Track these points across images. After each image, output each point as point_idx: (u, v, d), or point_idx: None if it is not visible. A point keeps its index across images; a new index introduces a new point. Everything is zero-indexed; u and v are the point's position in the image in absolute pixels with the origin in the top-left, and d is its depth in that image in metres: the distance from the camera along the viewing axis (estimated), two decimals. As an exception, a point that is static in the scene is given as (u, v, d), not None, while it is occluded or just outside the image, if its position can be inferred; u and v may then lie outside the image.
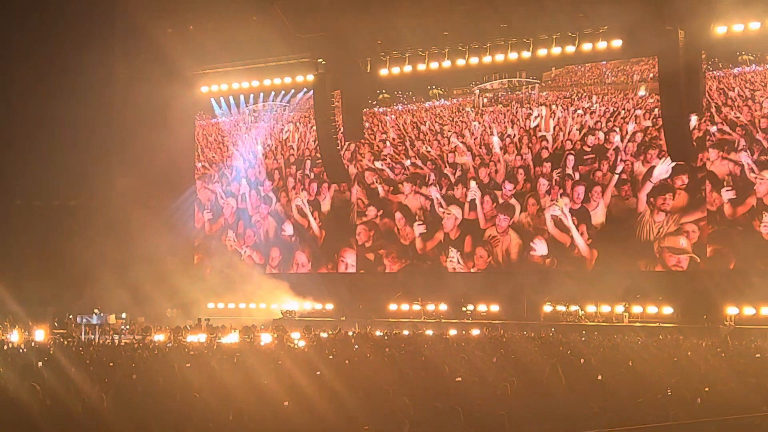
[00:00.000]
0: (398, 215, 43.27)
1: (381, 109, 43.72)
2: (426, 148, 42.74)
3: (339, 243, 44.77)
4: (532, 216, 40.55)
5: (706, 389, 16.91)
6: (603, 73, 39.83)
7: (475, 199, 41.86)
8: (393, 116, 43.52)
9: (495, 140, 41.54)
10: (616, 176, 38.97)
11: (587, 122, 40.03)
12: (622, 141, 39.03)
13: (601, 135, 39.59)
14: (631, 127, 38.82)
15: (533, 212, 40.55)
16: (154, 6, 40.26)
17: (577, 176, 39.82)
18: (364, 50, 41.37)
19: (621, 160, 38.94)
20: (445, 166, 42.35)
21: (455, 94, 42.41)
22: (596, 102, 39.77)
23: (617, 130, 39.23)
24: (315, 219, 45.57)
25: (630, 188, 38.73)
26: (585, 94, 40.08)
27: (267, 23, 40.66)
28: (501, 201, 41.35)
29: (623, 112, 39.18)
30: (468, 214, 41.89)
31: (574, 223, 39.55)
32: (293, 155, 46.05)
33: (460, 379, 18.02)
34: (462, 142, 42.07)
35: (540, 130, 40.79)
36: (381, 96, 43.44)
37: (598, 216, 39.38)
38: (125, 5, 40.35)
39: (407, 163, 43.06)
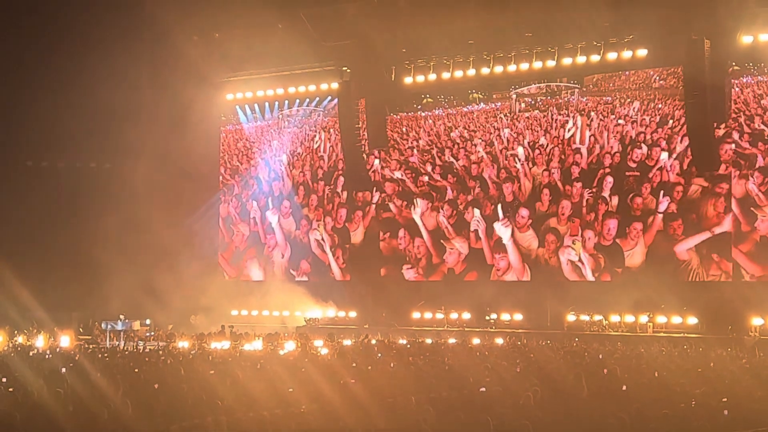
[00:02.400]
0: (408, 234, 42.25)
1: (423, 114, 42.66)
2: (448, 158, 41.67)
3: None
4: (551, 254, 38.89)
5: (724, 399, 16.84)
6: (650, 76, 37.78)
7: (477, 230, 40.47)
8: (431, 121, 42.48)
9: (520, 151, 40.20)
10: (661, 214, 36.49)
11: (629, 132, 37.73)
12: (669, 157, 36.69)
13: (644, 148, 37.32)
14: (680, 142, 36.46)
15: (551, 249, 38.89)
16: (180, 13, 40.40)
17: (614, 201, 37.57)
18: (389, 58, 41.39)
19: (666, 190, 36.53)
20: (469, 179, 41.20)
21: (494, 99, 41.02)
22: (639, 110, 37.53)
23: (664, 143, 36.87)
24: (337, 259, 43.91)
25: (682, 226, 36.32)
26: (628, 99, 37.94)
27: (292, 31, 40.74)
28: (515, 229, 39.50)
29: (672, 121, 36.98)
30: (475, 243, 40.57)
31: (592, 270, 37.87)
32: (322, 168, 44.95)
33: (484, 389, 17.99)
34: (488, 152, 40.91)
35: (574, 142, 39.08)
36: (425, 100, 42.65)
37: (636, 257, 37.21)
38: (152, 12, 40.55)
39: (425, 179, 42.13)
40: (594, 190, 38.36)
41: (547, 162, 39.73)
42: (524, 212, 39.70)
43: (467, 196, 41.10)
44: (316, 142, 45.43)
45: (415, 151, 42.84)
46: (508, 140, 40.70)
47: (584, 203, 38.51)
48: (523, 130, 40.44)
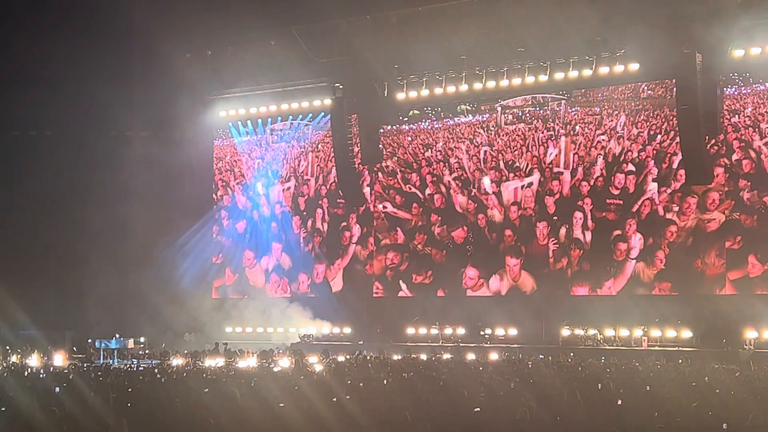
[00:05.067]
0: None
1: (407, 127, 42.10)
2: (414, 186, 41.22)
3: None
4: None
5: (710, 413, 16.79)
6: (638, 86, 37.01)
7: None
8: (410, 138, 41.92)
9: (486, 182, 39.42)
10: (633, 260, 35.27)
11: (613, 150, 36.60)
12: (659, 186, 35.60)
13: (631, 167, 36.23)
14: (670, 161, 35.47)
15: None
16: (172, 31, 40.45)
17: (588, 237, 36.62)
18: (382, 74, 41.41)
19: (654, 229, 35.25)
20: (433, 206, 40.60)
21: (482, 111, 40.31)
22: (626, 123, 36.46)
23: (652, 163, 35.86)
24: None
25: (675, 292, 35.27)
26: (616, 111, 37.02)
27: (285, 48, 40.88)
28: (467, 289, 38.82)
29: (660, 136, 36.23)
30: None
31: None
32: (304, 195, 44.29)
33: (479, 409, 17.91)
34: (460, 176, 40.20)
35: (557, 165, 38.16)
36: (411, 112, 42.17)
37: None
38: (145, 29, 40.65)
39: (379, 207, 41.81)
40: (567, 227, 37.55)
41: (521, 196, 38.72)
42: (471, 272, 39.24)
43: (423, 235, 40.68)
44: (302, 165, 44.82)
45: (380, 174, 42.34)
46: (484, 160, 39.87)
47: (550, 253, 37.80)
48: (503, 147, 39.53)
